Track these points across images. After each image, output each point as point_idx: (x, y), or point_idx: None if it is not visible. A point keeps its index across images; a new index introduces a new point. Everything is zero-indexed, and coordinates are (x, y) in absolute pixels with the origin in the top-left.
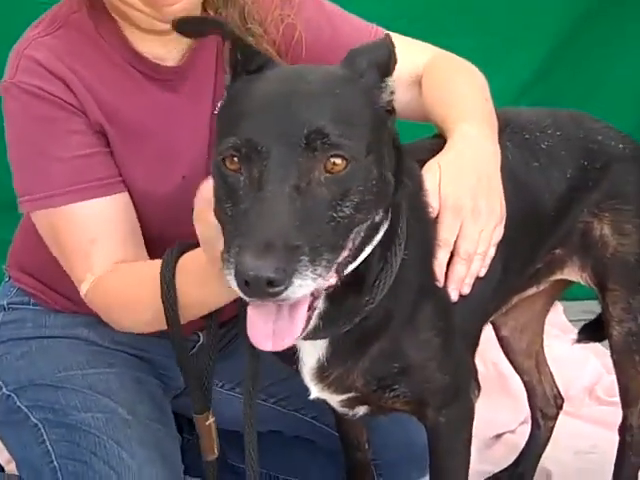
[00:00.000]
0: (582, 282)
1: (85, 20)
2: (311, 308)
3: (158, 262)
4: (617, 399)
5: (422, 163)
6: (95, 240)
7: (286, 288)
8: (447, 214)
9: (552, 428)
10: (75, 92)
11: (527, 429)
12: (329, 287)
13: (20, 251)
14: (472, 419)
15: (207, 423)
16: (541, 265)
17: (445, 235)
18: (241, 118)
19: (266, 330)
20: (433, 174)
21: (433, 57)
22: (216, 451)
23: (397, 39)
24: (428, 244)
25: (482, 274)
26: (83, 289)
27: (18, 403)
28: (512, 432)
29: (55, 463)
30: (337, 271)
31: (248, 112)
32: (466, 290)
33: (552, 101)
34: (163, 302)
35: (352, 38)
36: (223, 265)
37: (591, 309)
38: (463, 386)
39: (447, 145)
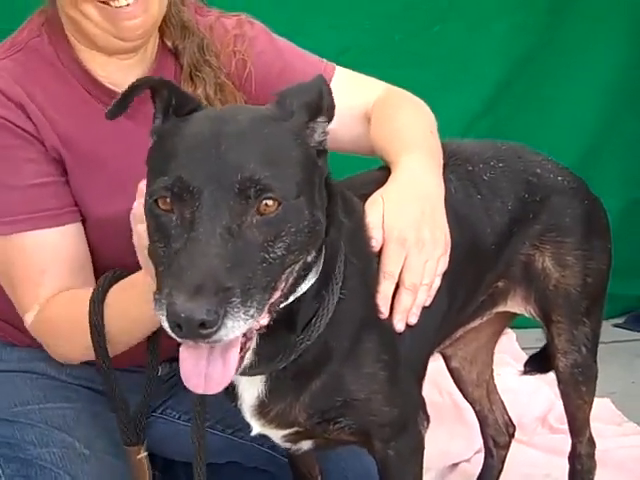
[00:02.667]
0: (526, 314)
1: (45, 45)
2: (243, 349)
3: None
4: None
5: (365, 197)
6: (45, 271)
7: (218, 329)
8: (391, 246)
9: (505, 456)
10: (32, 118)
11: (482, 458)
12: (261, 327)
13: None
14: (422, 451)
15: (139, 457)
16: (485, 297)
17: (390, 267)
18: (172, 158)
19: (198, 373)
20: (377, 207)
21: (383, 92)
22: None
23: (349, 75)
24: (370, 278)
25: (427, 304)
26: (28, 320)
27: None
28: (467, 461)
29: None
30: (269, 311)
31: (179, 152)
32: (413, 320)
33: (499, 134)
34: (90, 329)
35: (303, 73)
36: (155, 305)
37: (543, 337)
38: (411, 418)
39: (390, 177)
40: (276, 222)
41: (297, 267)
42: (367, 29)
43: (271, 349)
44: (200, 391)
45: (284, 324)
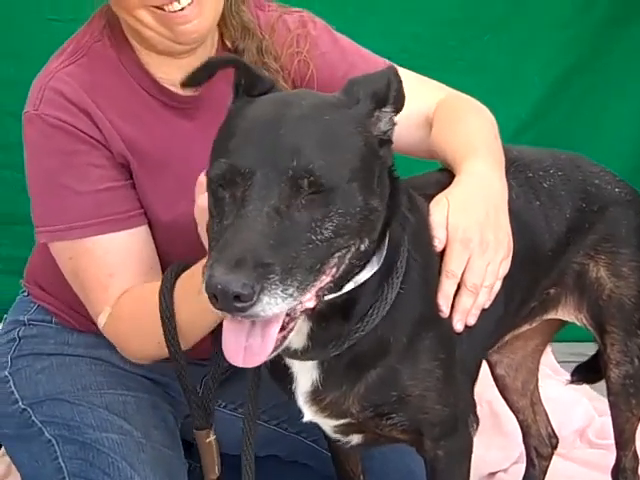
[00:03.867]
0: (578, 323)
1: (107, 49)
2: (286, 328)
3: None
4: (608, 442)
5: (429, 197)
6: (113, 274)
7: (253, 305)
8: (455, 246)
9: (547, 468)
10: (98, 125)
11: (519, 469)
12: (307, 310)
13: (40, 271)
14: (471, 452)
15: (207, 440)
16: (536, 303)
17: (453, 267)
18: (232, 138)
19: (238, 345)
20: (441, 207)
21: (445, 96)
22: (217, 471)
23: (412, 77)
24: (431, 276)
25: (487, 306)
26: (101, 322)
27: (33, 417)
28: (505, 471)
29: None
30: (317, 295)
31: (238, 133)
32: (472, 321)
33: (549, 142)
34: (161, 318)
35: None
36: (202, 278)
37: (579, 351)
38: (462, 419)
39: (455, 180)
40: (325, 204)
41: (349, 254)
42: (419, 34)
43: (325, 336)
44: (238, 363)
45: (341, 312)
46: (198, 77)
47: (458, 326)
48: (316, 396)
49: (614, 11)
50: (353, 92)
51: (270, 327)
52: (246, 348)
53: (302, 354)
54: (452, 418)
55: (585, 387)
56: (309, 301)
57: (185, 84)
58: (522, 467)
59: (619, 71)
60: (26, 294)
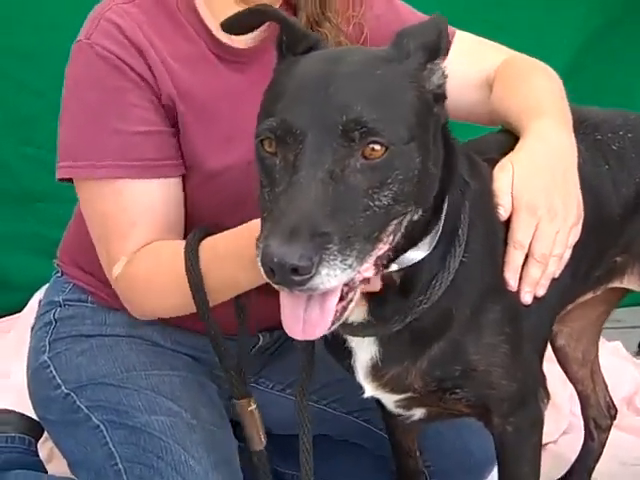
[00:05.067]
0: None
1: None
2: (345, 299)
3: (183, 242)
4: None
5: (492, 161)
6: (136, 224)
7: (312, 277)
8: (522, 215)
9: (605, 440)
10: (150, 63)
11: (569, 439)
12: (366, 280)
13: (75, 248)
14: (541, 427)
15: (250, 409)
16: (602, 272)
17: (520, 237)
18: (280, 99)
19: (296, 318)
20: (506, 173)
21: (507, 57)
22: (263, 439)
23: (470, 39)
24: (495, 246)
25: (556, 276)
26: (115, 272)
27: (78, 402)
28: (554, 442)
29: (120, 466)
30: (376, 264)
31: (287, 92)
32: (541, 292)
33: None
34: (189, 281)
35: None
36: (256, 251)
37: (616, 318)
38: (531, 393)
39: (520, 142)
40: (382, 168)
41: (405, 221)
42: None
43: (386, 310)
44: (298, 337)
45: (402, 285)
46: (237, 23)
47: (527, 298)
48: (377, 371)
49: None
50: (403, 45)
51: (329, 298)
52: (305, 320)
53: (362, 330)
54: (520, 393)
55: (629, 355)
56: (367, 271)
57: (224, 27)
58: (571, 437)
59: None
60: (60, 274)
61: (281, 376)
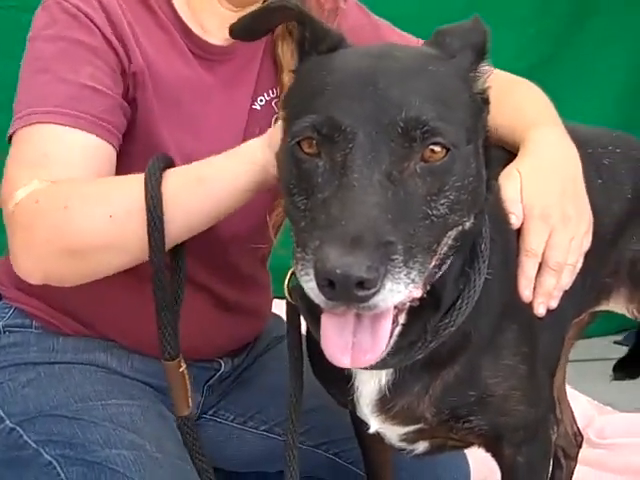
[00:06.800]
0: (628, 314)
1: None
2: (395, 322)
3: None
4: (609, 442)
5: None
6: (66, 167)
7: (377, 292)
8: (534, 223)
9: (574, 469)
10: (122, 34)
11: None
12: (414, 300)
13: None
14: (550, 458)
15: (180, 370)
16: (594, 293)
17: (533, 245)
18: (319, 95)
19: (344, 343)
20: (513, 180)
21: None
22: (190, 404)
23: None
24: (511, 258)
25: (568, 287)
26: (17, 197)
27: (25, 437)
28: None
29: None
30: (424, 282)
31: (327, 88)
32: (554, 304)
33: None
34: (147, 206)
35: None
36: (296, 266)
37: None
38: (543, 421)
39: (522, 150)
40: (442, 172)
41: (455, 232)
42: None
43: (409, 336)
44: (346, 364)
45: (426, 306)
46: (251, 25)
47: (540, 310)
48: (385, 404)
49: (573, 7)
50: (445, 44)
51: (383, 320)
52: (354, 345)
53: (383, 361)
54: (535, 420)
55: (583, 388)
56: (417, 289)
57: (234, 32)
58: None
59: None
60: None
61: (242, 408)
